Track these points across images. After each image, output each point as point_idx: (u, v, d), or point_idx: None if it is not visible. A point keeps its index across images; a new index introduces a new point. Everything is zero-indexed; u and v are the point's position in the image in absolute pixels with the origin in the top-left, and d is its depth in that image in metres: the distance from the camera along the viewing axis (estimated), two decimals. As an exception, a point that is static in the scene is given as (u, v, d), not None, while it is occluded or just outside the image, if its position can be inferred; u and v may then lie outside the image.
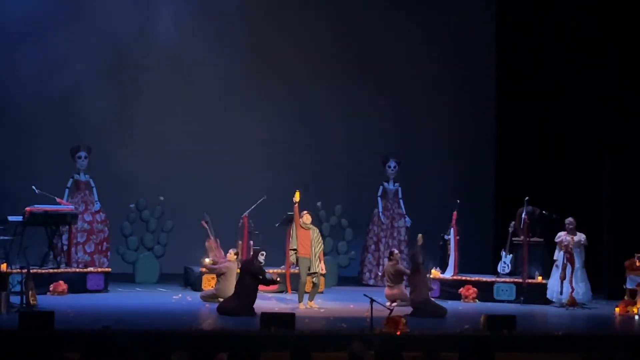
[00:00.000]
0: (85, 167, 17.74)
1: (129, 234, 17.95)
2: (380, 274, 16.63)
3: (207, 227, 16.44)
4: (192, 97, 19.17)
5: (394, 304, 14.73)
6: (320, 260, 15.02)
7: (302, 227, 15.03)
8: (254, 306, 14.02)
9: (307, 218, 15.08)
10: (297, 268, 15.32)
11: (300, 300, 14.96)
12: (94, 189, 17.76)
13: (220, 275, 15.47)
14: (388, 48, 19.90)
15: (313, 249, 14.97)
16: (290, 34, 19.65)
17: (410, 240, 18.59)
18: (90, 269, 16.65)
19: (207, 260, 15.97)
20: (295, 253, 15.08)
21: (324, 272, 15.37)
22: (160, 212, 17.97)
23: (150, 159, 18.79)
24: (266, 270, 14.74)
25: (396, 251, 16.33)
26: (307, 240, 15.00)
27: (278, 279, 15.47)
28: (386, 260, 17.21)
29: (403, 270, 15.57)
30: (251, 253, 15.50)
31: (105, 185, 17.94)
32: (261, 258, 14.59)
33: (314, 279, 14.99)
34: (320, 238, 15.25)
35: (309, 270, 14.93)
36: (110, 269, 16.78)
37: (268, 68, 19.47)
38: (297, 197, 15.14)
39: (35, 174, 17.58)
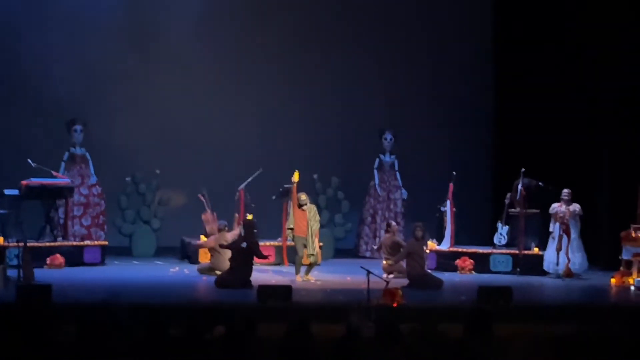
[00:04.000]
0: (81, 140, 17.71)
1: (125, 207, 17.95)
2: (375, 247, 16.62)
3: (203, 200, 16.44)
4: (189, 71, 19.08)
5: (391, 275, 14.74)
6: (315, 237, 15.03)
7: (299, 207, 15.03)
8: (251, 279, 14.07)
9: (303, 197, 15.06)
10: (294, 241, 15.36)
11: (297, 272, 14.98)
12: (90, 162, 17.74)
13: (213, 249, 15.49)
14: (383, 18, 19.80)
15: (310, 228, 14.97)
16: (283, 6, 19.53)
17: (406, 212, 18.63)
18: (87, 242, 16.67)
19: (202, 237, 16.06)
20: (292, 232, 15.11)
21: (320, 245, 15.38)
22: (157, 185, 17.97)
23: (146, 132, 18.71)
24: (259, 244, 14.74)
25: (393, 223, 16.33)
26: (303, 220, 15.00)
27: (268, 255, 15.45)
28: (383, 232, 17.22)
29: (400, 242, 15.58)
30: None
31: (102, 158, 17.91)
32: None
33: (311, 258, 15.00)
34: (317, 216, 15.24)
35: (306, 248, 14.95)
36: (107, 242, 16.82)
37: (263, 42, 19.34)
38: (295, 177, 15.15)
39: (31, 147, 17.53)
